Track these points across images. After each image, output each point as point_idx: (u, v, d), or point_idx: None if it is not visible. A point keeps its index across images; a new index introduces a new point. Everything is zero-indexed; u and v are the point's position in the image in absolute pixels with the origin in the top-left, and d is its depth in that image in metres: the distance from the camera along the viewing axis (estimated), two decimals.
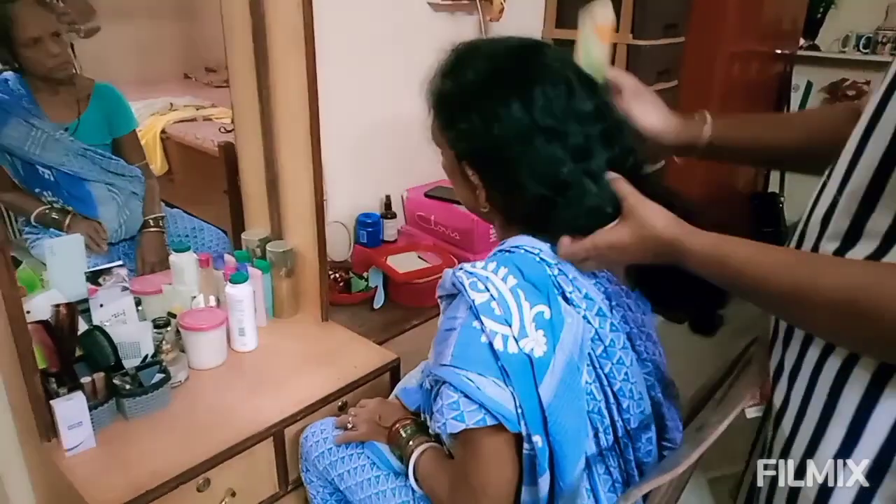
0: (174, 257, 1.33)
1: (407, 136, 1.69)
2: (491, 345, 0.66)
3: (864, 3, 2.92)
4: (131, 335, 1.14)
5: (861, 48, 2.93)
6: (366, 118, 1.74)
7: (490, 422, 0.67)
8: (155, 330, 1.17)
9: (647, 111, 0.79)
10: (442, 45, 2.02)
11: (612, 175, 0.70)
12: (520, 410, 0.66)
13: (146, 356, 1.14)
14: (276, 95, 1.39)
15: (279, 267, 1.44)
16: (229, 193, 1.61)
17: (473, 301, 0.68)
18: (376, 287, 1.59)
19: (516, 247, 0.73)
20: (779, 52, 2.68)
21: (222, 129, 1.73)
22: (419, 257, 1.74)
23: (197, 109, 2.41)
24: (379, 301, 1.58)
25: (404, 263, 1.68)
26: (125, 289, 1.22)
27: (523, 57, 0.73)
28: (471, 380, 0.67)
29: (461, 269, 0.71)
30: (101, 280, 1.19)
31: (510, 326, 0.67)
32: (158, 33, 2.41)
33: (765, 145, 0.80)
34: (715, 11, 2.18)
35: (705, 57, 2.25)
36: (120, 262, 1.23)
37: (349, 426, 1.00)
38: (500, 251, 0.74)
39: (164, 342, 1.16)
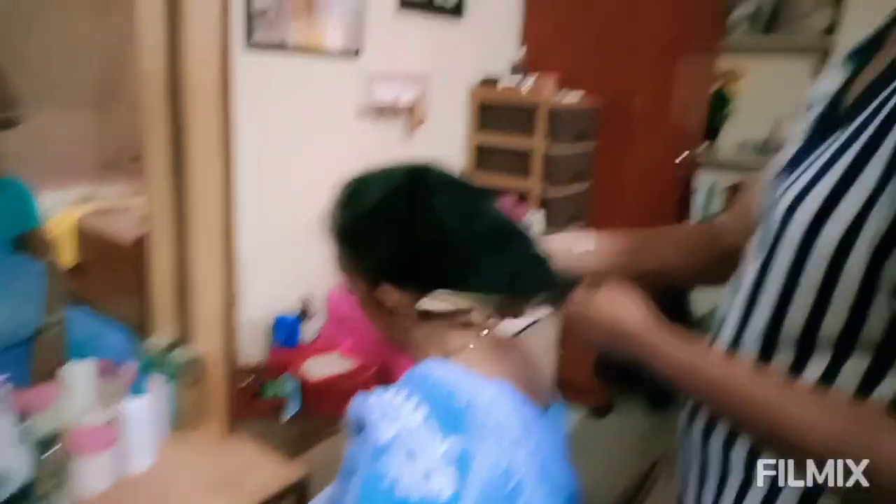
0: (69, 366, 1.25)
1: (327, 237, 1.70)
2: (393, 491, 0.64)
3: (757, 113, 3.24)
4: (3, 461, 1.04)
5: (755, 153, 3.22)
6: (288, 217, 1.73)
7: None
8: (38, 453, 1.07)
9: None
10: (367, 150, 2.08)
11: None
12: None
13: (17, 487, 1.04)
14: (192, 196, 1.38)
15: (184, 375, 1.37)
16: (142, 290, 1.55)
17: (379, 439, 0.66)
18: (289, 395, 1.53)
19: (427, 374, 0.73)
20: (682, 156, 2.91)
21: (140, 221, 1.68)
22: (340, 358, 1.71)
23: (116, 200, 2.35)
24: (291, 410, 1.52)
25: (322, 366, 1.64)
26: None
27: (416, 175, 0.76)
28: None
29: (369, 398, 0.70)
30: None
31: (418, 464, 0.65)
32: (79, 121, 2.36)
33: (639, 263, 0.85)
34: (622, 120, 2.36)
35: (614, 161, 2.41)
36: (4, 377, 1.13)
37: None
38: (412, 377, 0.73)
39: (45, 467, 1.07)
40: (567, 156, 2.23)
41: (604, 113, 2.36)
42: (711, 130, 3.33)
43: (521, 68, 2.41)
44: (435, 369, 0.72)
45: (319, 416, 1.53)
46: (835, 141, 0.54)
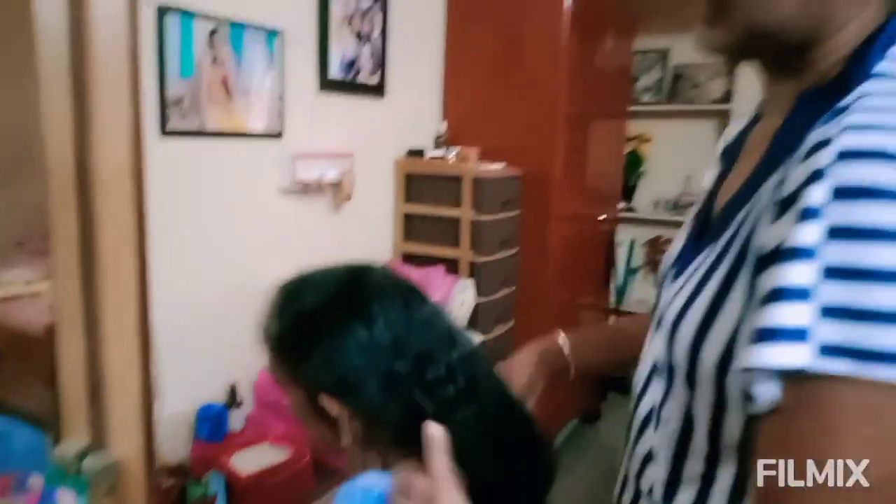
0: None
1: (255, 316, 1.65)
2: None
3: (668, 173, 3.45)
4: None
5: (669, 210, 3.41)
6: (211, 301, 1.67)
7: None
8: None
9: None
10: (292, 227, 2.06)
11: (431, 432, 0.64)
12: None
13: None
14: (102, 287, 1.31)
15: (99, 485, 1.26)
16: (55, 384, 1.44)
17: None
18: (215, 495, 1.44)
19: (368, 490, 0.69)
20: (602, 215, 3.04)
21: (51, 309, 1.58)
22: (271, 449, 1.63)
23: (26, 284, 2.19)
24: None
25: (252, 459, 1.55)
26: None
27: (354, 279, 0.74)
28: None
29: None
30: None
31: None
32: None
33: (616, 358, 0.88)
34: (544, 186, 2.45)
35: (540, 225, 2.49)
36: None
37: None
38: (350, 493, 0.70)
39: None
40: (494, 223, 2.29)
41: (526, 180, 2.45)
42: (628, 189, 3.51)
43: (445, 141, 2.48)
44: (376, 485, 0.69)
45: None
46: (708, 255, 0.57)
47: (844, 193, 0.41)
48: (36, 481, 1.23)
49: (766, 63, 0.56)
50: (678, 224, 0.75)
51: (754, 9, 0.50)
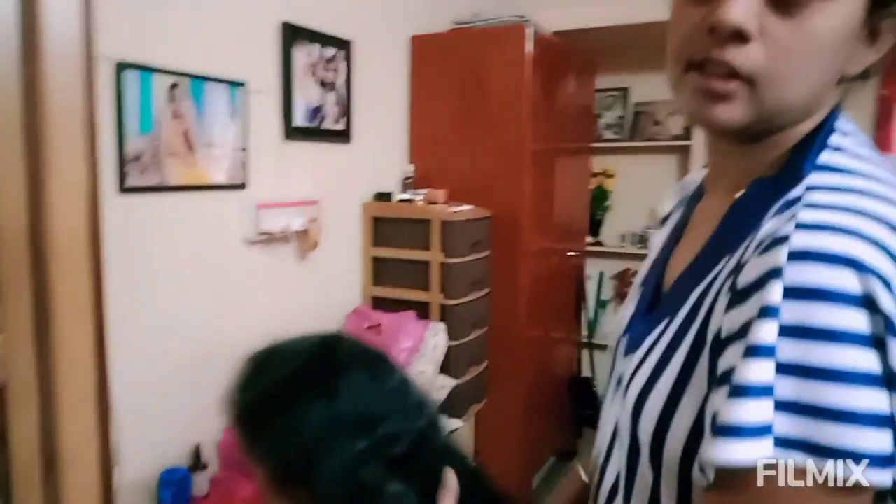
0: None
1: (221, 371, 1.60)
2: None
3: (633, 206, 3.51)
4: None
5: (635, 243, 3.46)
6: (172, 358, 1.62)
7: None
8: None
9: None
10: (258, 279, 2.02)
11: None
12: None
13: None
14: (58, 352, 1.26)
15: None
16: (8, 453, 1.36)
17: None
18: None
19: None
20: (571, 250, 3.07)
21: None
22: None
23: None
24: None
25: None
26: None
27: (321, 352, 0.72)
28: None
29: None
30: None
31: None
32: None
33: None
34: (513, 225, 2.46)
35: (510, 265, 2.49)
36: None
37: None
38: None
39: None
40: (464, 265, 2.28)
41: (495, 220, 2.46)
42: (595, 223, 3.56)
43: (412, 184, 2.49)
44: None
45: None
46: (665, 330, 0.56)
47: (796, 294, 0.42)
48: None
49: (736, 140, 0.55)
50: (644, 256, 0.75)
51: (781, 89, 0.48)
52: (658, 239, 0.73)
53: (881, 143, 2.96)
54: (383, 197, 2.37)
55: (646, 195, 3.41)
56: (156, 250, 1.56)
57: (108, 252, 1.35)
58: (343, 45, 2.13)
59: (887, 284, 0.41)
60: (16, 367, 1.32)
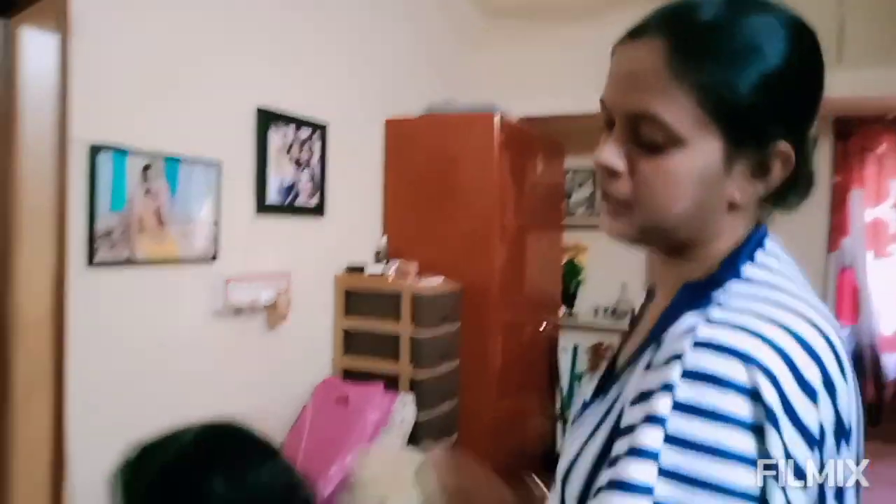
0: None
1: None
2: None
3: (605, 280, 3.59)
4: None
5: (608, 316, 3.52)
6: (140, 431, 1.61)
7: None
8: None
9: None
10: (225, 352, 2.03)
11: None
12: None
13: None
14: (16, 429, 1.26)
15: None
16: None
17: None
18: None
19: None
20: (543, 323, 3.11)
21: None
22: None
23: None
24: None
25: None
26: None
27: (199, 448, 0.77)
28: None
29: None
30: None
31: None
32: None
33: None
34: (483, 299, 2.52)
35: (480, 338, 2.53)
36: None
37: None
38: None
39: None
40: (433, 338, 2.32)
41: (466, 294, 2.52)
42: (570, 297, 3.62)
43: (385, 255, 2.56)
44: None
45: None
46: (597, 407, 0.62)
47: (690, 375, 0.48)
48: None
49: (659, 249, 0.65)
50: (618, 330, 0.80)
51: (650, 213, 0.59)
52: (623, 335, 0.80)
53: (836, 225, 3.10)
54: (355, 270, 2.43)
55: (617, 270, 3.49)
56: (123, 323, 1.59)
57: (75, 324, 1.39)
58: (318, 127, 2.25)
59: (772, 378, 0.47)
60: None
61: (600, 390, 0.68)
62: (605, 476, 0.52)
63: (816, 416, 0.48)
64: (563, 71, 3.11)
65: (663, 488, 0.46)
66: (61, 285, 1.24)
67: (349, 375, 2.38)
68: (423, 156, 2.64)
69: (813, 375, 0.48)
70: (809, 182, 0.61)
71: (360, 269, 2.43)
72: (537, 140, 2.97)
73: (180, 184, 1.71)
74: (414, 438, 2.23)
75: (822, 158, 3.09)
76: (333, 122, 2.33)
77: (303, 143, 2.19)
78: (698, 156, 0.56)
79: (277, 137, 2.07)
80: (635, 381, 0.56)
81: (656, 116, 0.55)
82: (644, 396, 0.50)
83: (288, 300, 2.06)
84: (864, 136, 3.06)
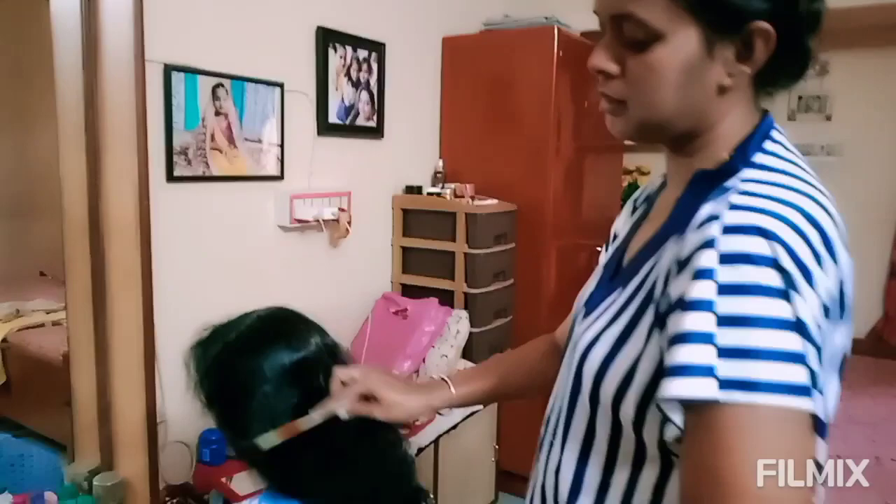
0: None
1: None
2: None
3: None
4: None
5: None
6: None
7: None
8: None
9: (399, 408, 0.86)
10: (292, 263, 2.17)
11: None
12: None
13: None
14: (112, 322, 1.44)
15: (107, 502, 1.38)
16: (70, 409, 1.57)
17: None
18: None
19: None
20: (600, 245, 3.12)
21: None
22: None
23: (47, 314, 2.35)
24: None
25: (246, 484, 1.65)
26: None
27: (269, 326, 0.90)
28: None
29: None
30: None
31: None
32: (8, 230, 2.40)
33: (501, 393, 0.98)
34: (538, 220, 2.55)
35: (534, 258, 2.58)
36: None
37: None
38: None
39: None
40: (487, 256, 2.39)
41: (520, 215, 2.55)
42: None
43: (442, 178, 2.61)
44: None
45: None
46: (617, 297, 0.68)
47: (729, 259, 0.52)
48: (51, 497, 1.35)
49: (666, 144, 0.69)
50: None
51: (642, 109, 0.64)
52: (620, 225, 0.84)
53: None
54: (413, 190, 2.50)
55: None
56: (200, 233, 1.74)
57: (158, 233, 1.53)
58: (376, 46, 2.27)
59: (789, 250, 0.51)
60: (76, 334, 1.51)
61: (608, 274, 0.73)
62: (654, 354, 0.58)
63: (828, 282, 0.53)
64: None
65: (724, 366, 0.51)
66: (145, 198, 1.37)
67: (407, 291, 2.50)
68: (479, 75, 2.62)
69: (819, 245, 0.53)
70: (804, 59, 0.63)
71: (418, 190, 2.50)
72: None
73: (247, 104, 1.80)
74: (468, 351, 2.35)
75: None
76: (391, 40, 2.34)
77: (361, 63, 2.22)
78: (678, 46, 0.59)
79: (337, 57, 2.11)
80: (665, 267, 0.60)
81: (633, 14, 0.59)
82: (682, 287, 0.54)
83: (349, 217, 2.16)
84: None
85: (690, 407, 0.53)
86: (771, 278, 0.51)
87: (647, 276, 0.64)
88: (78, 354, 1.50)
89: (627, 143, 3.35)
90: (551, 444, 0.75)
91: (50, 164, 1.49)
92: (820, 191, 0.58)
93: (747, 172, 0.59)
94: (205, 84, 1.68)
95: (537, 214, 2.56)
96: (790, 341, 0.50)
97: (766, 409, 0.50)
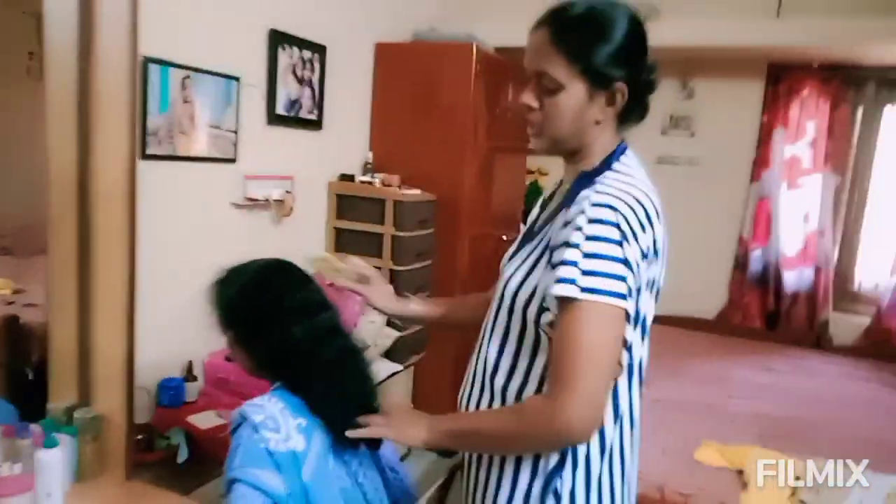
0: None
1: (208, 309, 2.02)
2: (267, 448, 1.00)
3: None
4: None
5: None
6: (171, 292, 2.03)
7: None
8: None
9: (380, 296, 1.28)
10: (242, 234, 2.43)
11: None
12: (288, 492, 0.99)
13: None
14: (97, 276, 1.65)
15: (86, 432, 1.60)
16: (7, 367, 1.76)
17: (254, 420, 1.02)
18: (178, 444, 1.79)
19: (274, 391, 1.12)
20: (505, 235, 3.56)
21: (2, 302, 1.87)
22: (217, 415, 1.98)
23: None
24: (182, 455, 1.78)
25: (206, 420, 1.91)
26: None
27: (270, 270, 1.19)
28: (254, 473, 0.98)
29: (244, 404, 1.07)
30: None
31: (280, 433, 1.02)
32: None
33: (449, 321, 1.36)
34: (454, 209, 2.94)
35: (450, 242, 2.97)
36: None
37: None
38: (272, 391, 1.12)
39: None
40: (411, 238, 2.75)
41: (440, 204, 2.93)
42: (527, 212, 4.05)
43: (371, 168, 2.94)
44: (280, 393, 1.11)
45: (207, 460, 1.80)
46: (529, 247, 1.06)
47: (592, 221, 0.91)
48: (35, 428, 1.55)
49: (563, 156, 1.07)
50: None
51: (551, 131, 1.00)
52: (535, 211, 1.22)
53: (760, 160, 3.58)
54: (347, 178, 2.81)
55: None
56: (168, 204, 1.97)
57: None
58: (319, 48, 2.56)
59: (625, 218, 0.90)
60: (57, 288, 1.71)
61: (527, 239, 1.12)
62: (548, 276, 0.95)
63: (646, 239, 0.93)
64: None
65: (583, 280, 0.89)
66: (132, 169, 1.61)
67: None
68: (407, 78, 2.97)
69: (643, 217, 0.93)
70: (644, 110, 1.04)
71: (351, 178, 2.81)
72: (510, 69, 3.32)
73: (210, 94, 2.05)
74: (390, 322, 2.69)
75: (755, 100, 3.53)
76: (332, 44, 2.64)
77: (305, 62, 2.51)
78: (573, 94, 0.97)
79: (285, 57, 2.39)
80: (557, 228, 0.99)
81: (547, 72, 0.96)
82: (565, 236, 0.92)
83: (293, 198, 2.44)
84: (791, 81, 3.44)
85: (562, 301, 0.92)
86: (613, 233, 0.90)
87: (547, 232, 1.03)
88: (58, 302, 1.70)
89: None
90: (481, 342, 1.12)
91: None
92: (645, 187, 0.97)
93: (607, 174, 0.98)
94: (175, 75, 1.91)
95: (454, 204, 2.95)
96: (619, 269, 0.90)
97: (601, 305, 0.89)
